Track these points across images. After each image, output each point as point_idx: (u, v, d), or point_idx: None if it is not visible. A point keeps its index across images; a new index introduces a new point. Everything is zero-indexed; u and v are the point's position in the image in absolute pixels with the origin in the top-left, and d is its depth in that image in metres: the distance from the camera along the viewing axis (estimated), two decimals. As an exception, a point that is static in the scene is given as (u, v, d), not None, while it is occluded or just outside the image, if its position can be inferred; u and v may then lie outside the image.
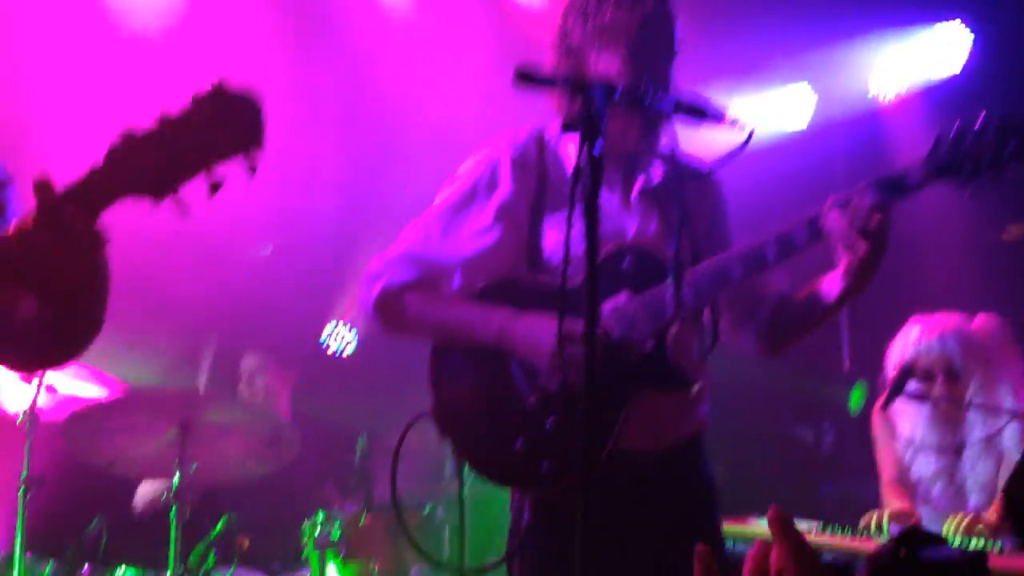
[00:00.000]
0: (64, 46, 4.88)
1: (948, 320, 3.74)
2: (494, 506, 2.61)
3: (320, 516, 4.32)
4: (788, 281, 2.56)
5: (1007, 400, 3.61)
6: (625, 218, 2.49)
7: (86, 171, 1.50)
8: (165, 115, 1.49)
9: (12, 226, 1.52)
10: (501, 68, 2.04)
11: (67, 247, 1.50)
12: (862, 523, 3.44)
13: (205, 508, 4.39)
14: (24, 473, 3.83)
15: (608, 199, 2.47)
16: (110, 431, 3.85)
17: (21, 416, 3.89)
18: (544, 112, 2.50)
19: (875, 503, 3.77)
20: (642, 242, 2.43)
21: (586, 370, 1.75)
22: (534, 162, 2.50)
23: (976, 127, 2.19)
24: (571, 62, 2.41)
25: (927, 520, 3.62)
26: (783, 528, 0.90)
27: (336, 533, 4.27)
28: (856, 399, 5.00)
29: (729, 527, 3.16)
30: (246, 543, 4.44)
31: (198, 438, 3.89)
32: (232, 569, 4.16)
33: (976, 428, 3.63)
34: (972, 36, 5.39)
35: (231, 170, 1.52)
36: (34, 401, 3.89)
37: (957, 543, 3.10)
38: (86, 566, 4.09)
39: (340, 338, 6.17)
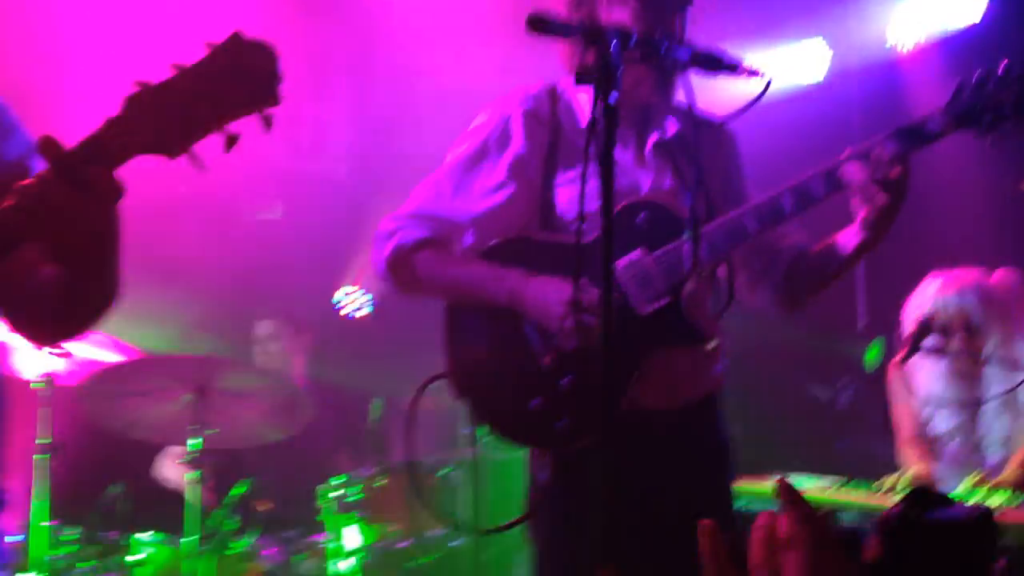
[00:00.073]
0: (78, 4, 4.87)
1: (967, 275, 3.71)
2: (511, 470, 2.61)
3: (337, 480, 4.34)
4: (804, 235, 2.53)
5: (1026, 355, 3.59)
6: (639, 173, 2.45)
7: (101, 124, 1.48)
8: (180, 65, 1.47)
9: (27, 181, 1.50)
10: (512, 30, 2.00)
11: (83, 199, 1.48)
12: (880, 484, 3.43)
13: (223, 473, 4.41)
14: (44, 439, 3.85)
15: (622, 154, 2.44)
16: (126, 395, 3.87)
17: (38, 382, 3.90)
18: (557, 72, 2.47)
19: (892, 460, 3.76)
20: (657, 197, 2.40)
21: (603, 329, 1.73)
22: (547, 115, 2.46)
23: (999, 73, 2.17)
24: (582, 13, 2.37)
25: (945, 477, 3.62)
26: (791, 496, 0.89)
27: (353, 496, 4.28)
28: (872, 356, 4.97)
29: (746, 485, 3.16)
30: (265, 507, 4.47)
31: (214, 403, 3.91)
32: (251, 533, 4.18)
33: (995, 384, 3.62)
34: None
35: (242, 128, 1.49)
36: (50, 367, 3.90)
37: (974, 499, 3.10)
38: (107, 532, 4.12)
39: (353, 301, 6.17)
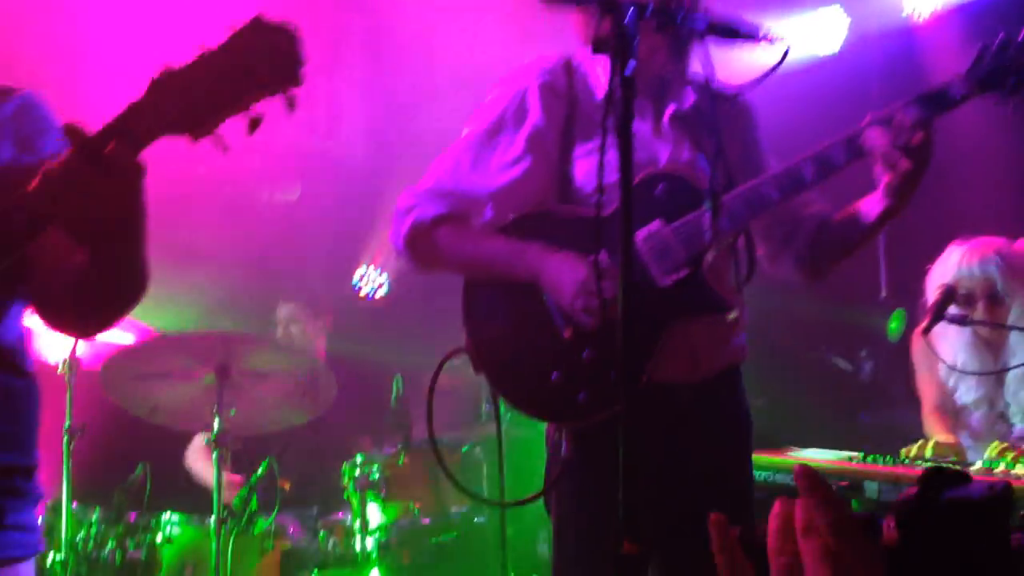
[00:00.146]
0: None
1: (989, 244, 3.68)
2: (533, 446, 2.60)
3: (359, 458, 4.35)
4: (827, 204, 2.51)
5: (1050, 324, 3.56)
6: (657, 145, 2.43)
7: (125, 107, 1.49)
8: (203, 48, 1.47)
9: (51, 164, 1.51)
10: (528, 4, 1.98)
11: (106, 179, 1.48)
12: (904, 453, 3.41)
13: (246, 452, 4.44)
14: (67, 422, 3.88)
15: (639, 126, 2.41)
16: (148, 377, 3.89)
17: (61, 366, 3.93)
18: (572, 47, 2.45)
19: (916, 431, 3.74)
20: (675, 168, 2.38)
21: (623, 302, 1.72)
22: (564, 88, 2.44)
23: (1021, 37, 2.15)
24: None
25: (969, 446, 3.60)
26: (811, 481, 0.88)
27: (376, 474, 4.30)
28: (895, 326, 4.95)
29: (768, 458, 3.15)
30: (287, 486, 4.49)
31: (236, 383, 3.92)
32: (274, 512, 4.21)
33: (1019, 352, 3.60)
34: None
35: (263, 110, 1.50)
36: (73, 350, 3.93)
37: (999, 469, 3.08)
38: (132, 513, 4.16)
39: (372, 281, 6.18)
